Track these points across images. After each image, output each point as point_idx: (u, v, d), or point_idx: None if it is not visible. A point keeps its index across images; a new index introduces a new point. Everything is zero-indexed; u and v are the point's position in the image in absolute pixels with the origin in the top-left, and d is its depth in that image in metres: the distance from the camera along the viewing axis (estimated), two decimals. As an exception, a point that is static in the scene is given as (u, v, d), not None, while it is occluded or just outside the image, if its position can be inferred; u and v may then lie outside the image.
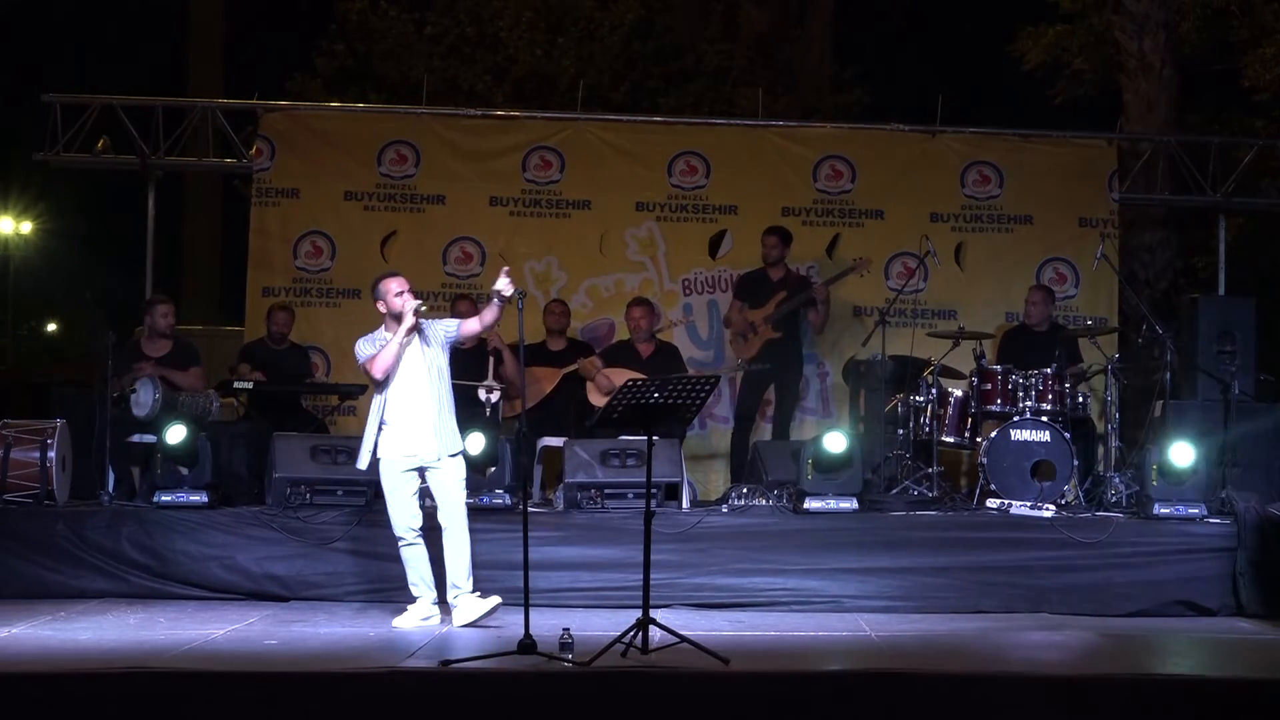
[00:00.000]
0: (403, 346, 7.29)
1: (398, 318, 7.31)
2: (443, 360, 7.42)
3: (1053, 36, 17.01)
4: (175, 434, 8.42)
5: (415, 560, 7.43)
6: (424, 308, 7.38)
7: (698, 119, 13.21)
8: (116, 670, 6.08)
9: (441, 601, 7.45)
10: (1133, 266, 13.04)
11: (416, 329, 7.35)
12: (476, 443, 8.37)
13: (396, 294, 7.32)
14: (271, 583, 8.14)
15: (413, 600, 7.49)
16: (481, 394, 9.20)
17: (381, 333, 7.40)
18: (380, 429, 7.35)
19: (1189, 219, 14.32)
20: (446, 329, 7.47)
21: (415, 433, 7.33)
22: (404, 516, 7.38)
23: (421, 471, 7.41)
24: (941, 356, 9.56)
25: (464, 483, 7.48)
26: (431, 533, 7.44)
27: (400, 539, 7.41)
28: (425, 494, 7.57)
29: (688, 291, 11.16)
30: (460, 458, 7.46)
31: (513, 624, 6.86)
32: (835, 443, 8.60)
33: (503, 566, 7.72)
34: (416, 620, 7.40)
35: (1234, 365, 9.31)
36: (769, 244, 10.21)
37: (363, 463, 7.42)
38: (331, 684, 6.04)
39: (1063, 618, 7.93)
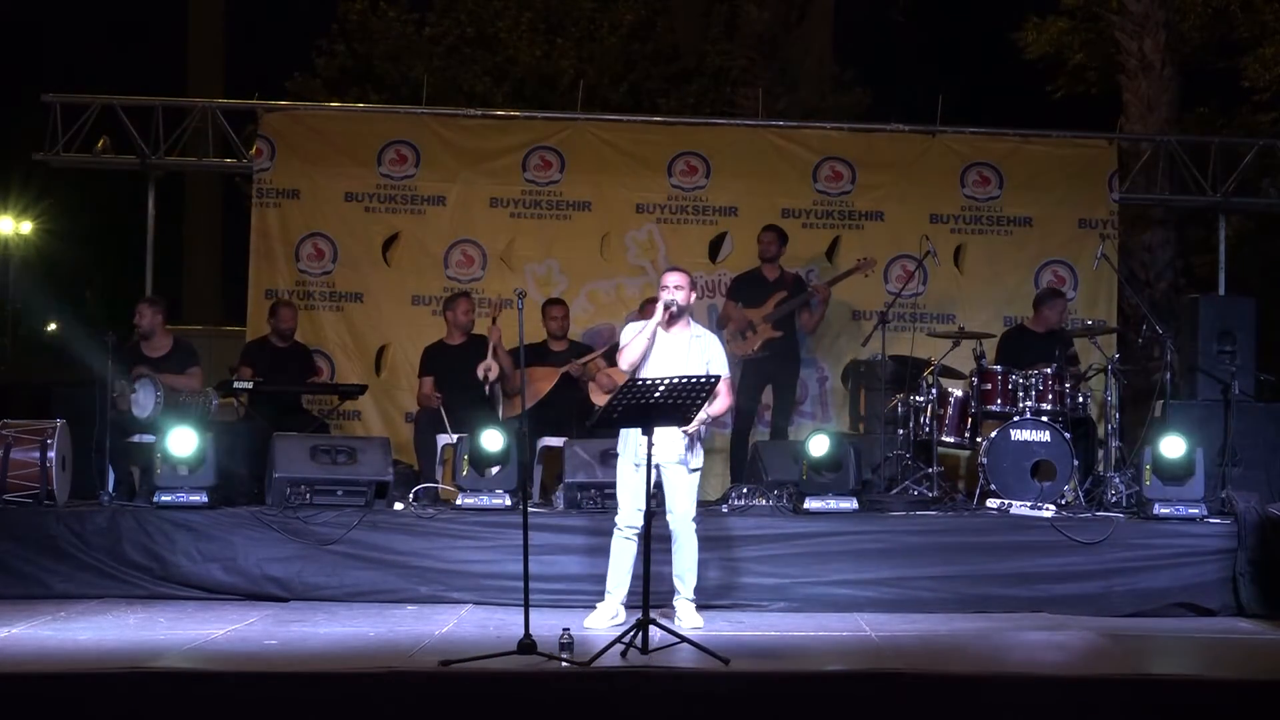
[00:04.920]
0: (650, 339, 7.23)
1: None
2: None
3: (1055, 32, 17.06)
4: (184, 445, 8.37)
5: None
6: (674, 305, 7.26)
7: (698, 119, 13.20)
8: (116, 670, 6.08)
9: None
10: (1133, 266, 13.04)
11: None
12: (494, 440, 8.40)
13: (662, 287, 7.31)
14: (271, 583, 8.11)
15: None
16: (480, 371, 9.31)
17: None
18: None
19: (1189, 219, 14.33)
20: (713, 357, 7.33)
21: None
22: None
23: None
24: (941, 357, 9.56)
25: None
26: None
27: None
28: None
29: (688, 295, 11.14)
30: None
31: (513, 624, 6.86)
32: (819, 446, 8.61)
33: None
34: (608, 620, 7.21)
35: (1234, 365, 9.30)
36: (766, 240, 10.22)
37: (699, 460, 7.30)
38: (331, 684, 6.04)
39: (1063, 618, 7.91)
